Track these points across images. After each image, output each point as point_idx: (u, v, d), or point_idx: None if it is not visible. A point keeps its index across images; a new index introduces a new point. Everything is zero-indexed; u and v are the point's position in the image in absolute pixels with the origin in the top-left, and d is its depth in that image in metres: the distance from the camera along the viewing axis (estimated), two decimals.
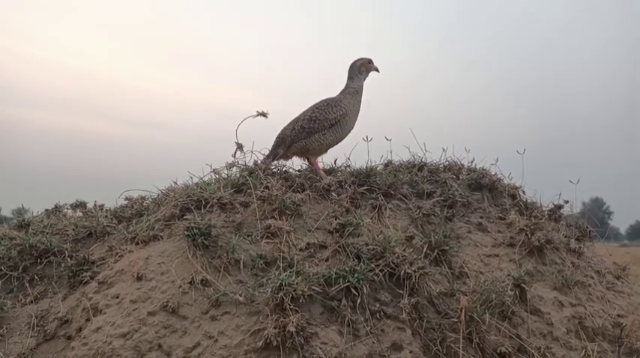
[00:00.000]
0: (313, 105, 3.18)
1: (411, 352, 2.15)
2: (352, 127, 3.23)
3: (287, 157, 3.21)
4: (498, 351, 2.28)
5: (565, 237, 3.09)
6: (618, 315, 2.72)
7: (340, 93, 3.25)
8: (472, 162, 3.51)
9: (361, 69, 3.28)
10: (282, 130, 3.21)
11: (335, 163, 3.38)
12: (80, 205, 3.54)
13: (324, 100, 3.19)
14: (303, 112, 3.18)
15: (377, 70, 3.33)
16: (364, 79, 3.30)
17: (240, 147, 3.06)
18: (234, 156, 3.08)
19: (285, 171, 3.18)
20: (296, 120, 3.18)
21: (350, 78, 3.28)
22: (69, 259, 2.69)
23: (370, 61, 3.32)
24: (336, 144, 3.23)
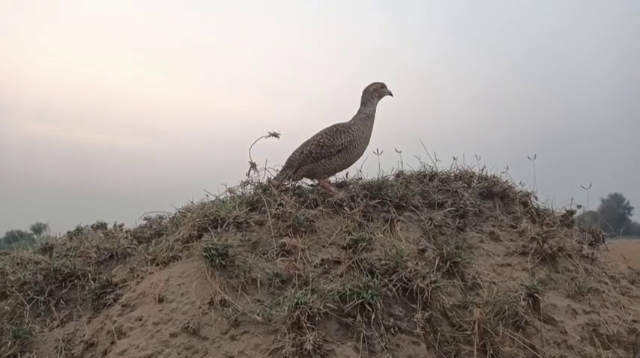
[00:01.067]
0: (323, 130, 3.22)
1: None
2: (361, 153, 3.25)
3: (295, 179, 3.26)
4: None
5: (578, 242, 3.10)
6: (633, 321, 2.73)
7: (352, 119, 3.27)
8: (483, 169, 3.53)
9: (374, 94, 3.30)
10: (292, 153, 3.26)
11: (347, 176, 3.43)
12: (101, 226, 3.64)
13: (334, 126, 3.22)
14: (313, 136, 3.22)
15: (390, 94, 3.34)
16: (377, 104, 3.31)
17: (253, 166, 3.13)
18: (248, 174, 3.15)
19: (298, 186, 3.24)
20: (305, 144, 3.23)
21: (363, 103, 3.30)
22: (92, 282, 2.77)
23: (383, 86, 3.33)
24: (344, 169, 3.27)
